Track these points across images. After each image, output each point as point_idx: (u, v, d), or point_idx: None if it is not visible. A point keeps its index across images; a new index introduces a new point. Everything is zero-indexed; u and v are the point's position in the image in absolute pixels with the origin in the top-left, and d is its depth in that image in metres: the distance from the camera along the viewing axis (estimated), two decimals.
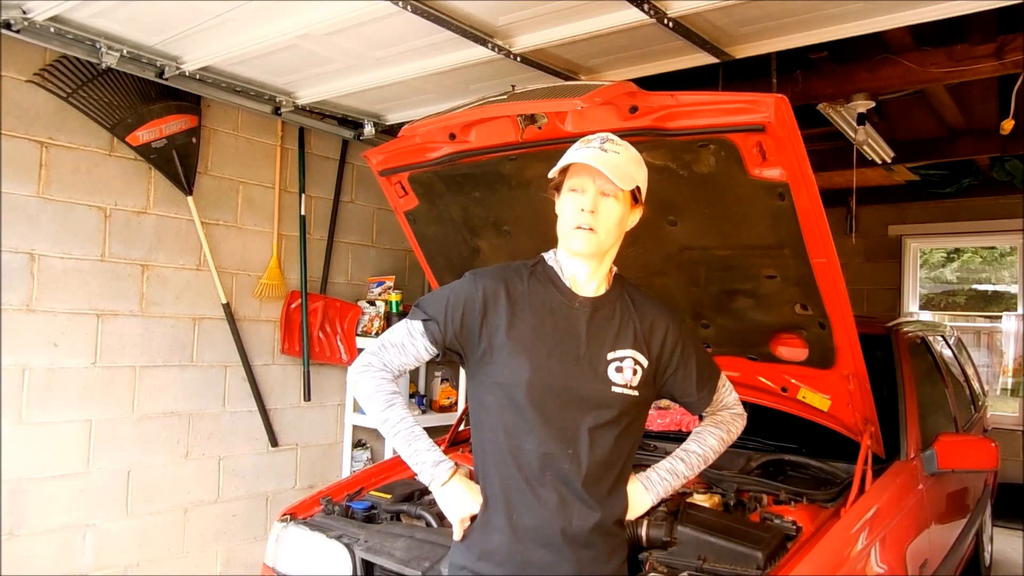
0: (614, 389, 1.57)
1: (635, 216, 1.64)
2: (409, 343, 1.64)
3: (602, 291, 1.64)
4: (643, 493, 1.68)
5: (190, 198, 3.47)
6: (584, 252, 1.56)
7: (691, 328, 1.78)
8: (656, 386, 1.68)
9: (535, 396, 1.55)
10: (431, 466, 1.60)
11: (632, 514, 1.65)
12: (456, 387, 4.37)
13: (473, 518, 1.59)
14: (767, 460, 2.52)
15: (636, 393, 1.59)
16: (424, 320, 1.62)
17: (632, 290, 1.69)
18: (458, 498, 1.59)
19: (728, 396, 1.80)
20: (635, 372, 1.59)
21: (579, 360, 1.57)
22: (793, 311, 2.19)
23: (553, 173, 1.58)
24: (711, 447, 1.75)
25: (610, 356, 1.58)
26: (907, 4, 2.33)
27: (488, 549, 1.56)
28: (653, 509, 1.77)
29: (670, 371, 1.67)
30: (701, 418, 1.84)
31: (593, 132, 1.96)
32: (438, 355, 1.66)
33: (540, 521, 1.53)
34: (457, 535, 1.61)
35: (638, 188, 1.58)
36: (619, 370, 1.58)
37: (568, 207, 1.56)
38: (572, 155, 1.53)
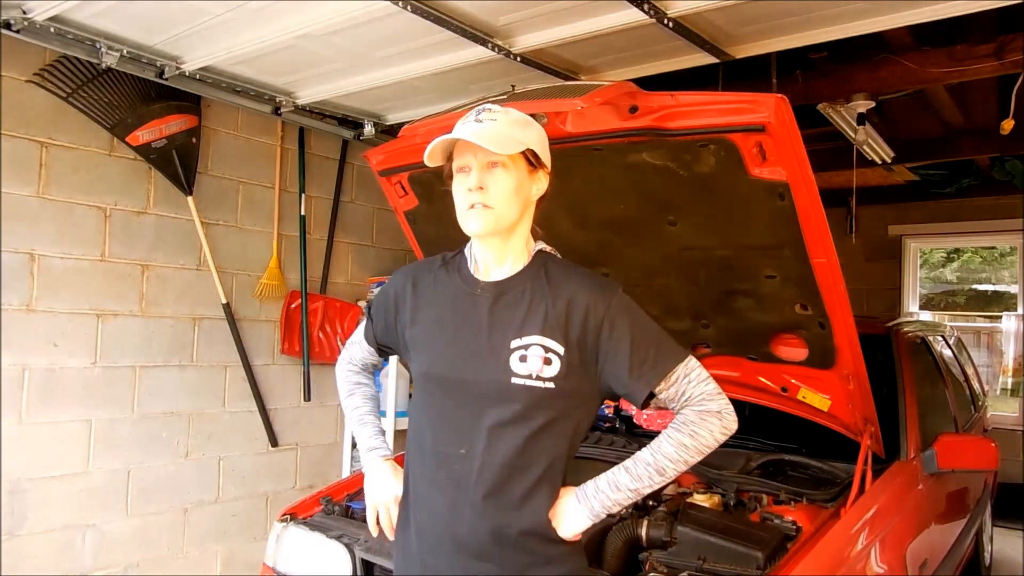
0: (515, 381, 1.39)
1: (539, 183, 1.48)
2: (361, 339, 1.73)
3: (516, 272, 1.49)
4: (574, 506, 1.43)
5: (190, 198, 3.47)
6: (482, 231, 1.43)
7: (628, 303, 1.47)
8: (592, 376, 1.45)
9: (431, 392, 1.49)
10: (366, 451, 1.65)
11: (563, 530, 1.43)
12: None
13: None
14: (767, 460, 2.51)
15: (550, 385, 1.39)
16: (367, 319, 1.70)
17: (554, 266, 1.50)
18: (375, 485, 1.61)
19: (693, 388, 1.45)
20: (547, 361, 1.40)
21: (479, 351, 1.44)
22: (793, 311, 2.19)
23: (428, 157, 1.45)
24: (666, 455, 1.42)
25: (514, 344, 1.41)
26: (907, 4, 2.33)
27: (400, 544, 1.54)
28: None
29: (601, 356, 1.43)
30: None
31: (592, 132, 1.94)
32: (389, 355, 1.73)
33: (432, 524, 1.46)
34: (370, 520, 1.62)
35: (532, 152, 1.43)
36: (523, 359, 1.40)
37: (457, 189, 1.45)
38: (448, 134, 1.42)
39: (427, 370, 1.50)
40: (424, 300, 1.54)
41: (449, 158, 1.47)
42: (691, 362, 1.47)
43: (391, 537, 1.59)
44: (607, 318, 1.42)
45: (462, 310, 1.49)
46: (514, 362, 1.40)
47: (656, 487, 1.44)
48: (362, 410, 1.70)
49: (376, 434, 1.67)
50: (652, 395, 1.46)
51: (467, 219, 1.43)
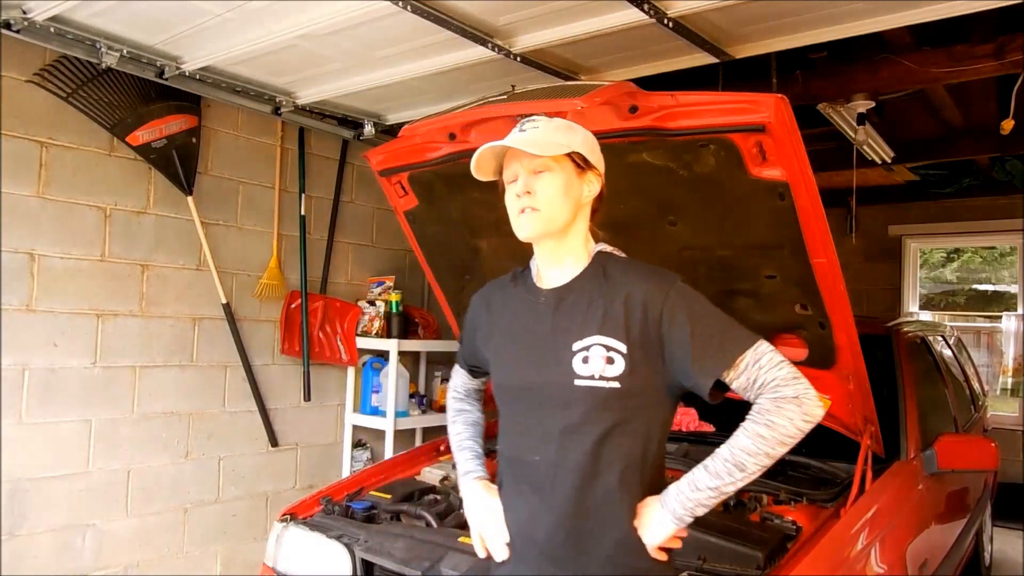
0: (578, 382, 1.38)
1: (590, 184, 1.48)
2: (456, 366, 1.84)
3: (575, 276, 1.50)
4: (657, 512, 1.39)
5: (190, 198, 3.47)
6: (533, 234, 1.45)
7: (688, 292, 1.43)
8: (661, 372, 1.41)
9: (507, 402, 1.53)
10: (461, 475, 1.67)
11: (648, 537, 1.38)
12: None
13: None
14: None
15: (615, 385, 1.37)
16: (460, 346, 1.81)
17: (613, 264, 1.49)
18: (470, 507, 1.61)
19: (765, 375, 1.37)
20: (610, 361, 1.37)
21: (544, 357, 1.45)
22: (793, 311, 2.19)
23: (477, 170, 1.51)
24: (743, 449, 1.34)
25: (576, 346, 1.40)
26: (907, 4, 2.33)
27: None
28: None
29: (666, 350, 1.39)
30: None
31: (592, 132, 1.95)
32: (484, 375, 1.77)
33: (517, 531, 1.48)
34: (475, 544, 1.58)
35: (579, 154, 1.45)
36: (586, 360, 1.39)
37: (508, 199, 1.48)
38: (489, 143, 1.47)
39: (500, 381, 1.55)
40: (496, 316, 1.61)
41: (499, 172, 1.52)
42: (761, 346, 1.40)
43: (496, 557, 1.53)
44: (666, 310, 1.39)
45: (528, 320, 1.52)
46: (577, 364, 1.39)
47: (740, 484, 1.35)
48: (462, 436, 1.74)
49: (472, 458, 1.68)
50: (723, 386, 1.40)
51: (518, 224, 1.46)
